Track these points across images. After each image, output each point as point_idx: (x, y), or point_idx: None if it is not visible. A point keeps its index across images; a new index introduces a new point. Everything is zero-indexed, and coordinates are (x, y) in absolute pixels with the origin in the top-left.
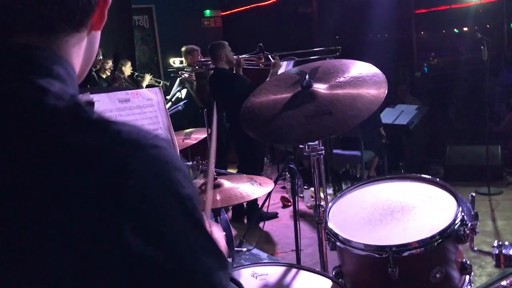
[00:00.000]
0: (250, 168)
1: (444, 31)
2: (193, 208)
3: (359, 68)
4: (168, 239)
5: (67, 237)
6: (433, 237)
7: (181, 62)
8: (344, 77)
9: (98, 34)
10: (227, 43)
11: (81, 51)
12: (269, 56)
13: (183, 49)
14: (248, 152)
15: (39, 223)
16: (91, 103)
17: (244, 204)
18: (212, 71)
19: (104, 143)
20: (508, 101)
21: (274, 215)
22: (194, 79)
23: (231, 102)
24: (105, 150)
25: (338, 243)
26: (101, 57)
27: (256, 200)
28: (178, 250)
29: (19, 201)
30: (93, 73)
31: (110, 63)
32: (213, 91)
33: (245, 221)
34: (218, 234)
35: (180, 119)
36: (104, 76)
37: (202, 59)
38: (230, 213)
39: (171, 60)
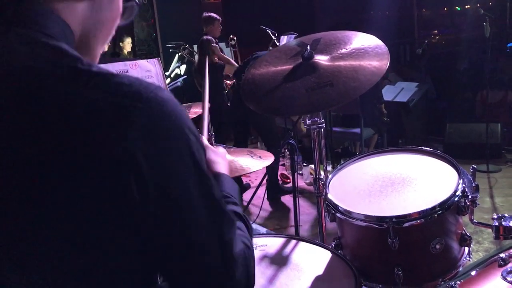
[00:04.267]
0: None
1: (445, 9)
2: (200, 161)
3: (362, 40)
4: (172, 194)
5: (74, 191)
6: (433, 208)
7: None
8: (346, 49)
9: (108, 1)
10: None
11: (76, 12)
12: (269, 32)
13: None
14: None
15: (44, 174)
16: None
17: (243, 180)
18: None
19: (105, 97)
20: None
21: (290, 191)
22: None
23: None
24: (106, 103)
25: (338, 215)
26: None
27: (275, 175)
28: (181, 207)
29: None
30: None
31: None
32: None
33: (265, 197)
34: (219, 152)
35: (179, 95)
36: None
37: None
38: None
39: None
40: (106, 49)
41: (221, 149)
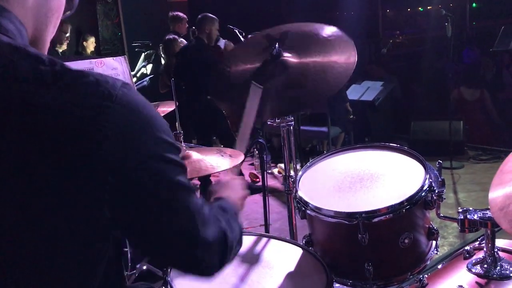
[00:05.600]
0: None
1: (409, 9)
2: (172, 153)
3: (328, 31)
4: (149, 187)
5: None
6: (401, 203)
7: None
8: (314, 42)
9: None
10: (218, 21)
11: (26, 5)
12: (236, 31)
13: (170, 14)
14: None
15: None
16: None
17: (211, 181)
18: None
19: (74, 99)
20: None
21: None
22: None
23: (202, 73)
24: (73, 105)
25: (308, 211)
26: (68, 34)
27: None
28: (149, 198)
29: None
30: (56, 49)
31: (68, 35)
32: (187, 60)
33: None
34: (238, 181)
35: (146, 95)
36: (60, 50)
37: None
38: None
39: None
40: (65, 47)
41: (237, 181)
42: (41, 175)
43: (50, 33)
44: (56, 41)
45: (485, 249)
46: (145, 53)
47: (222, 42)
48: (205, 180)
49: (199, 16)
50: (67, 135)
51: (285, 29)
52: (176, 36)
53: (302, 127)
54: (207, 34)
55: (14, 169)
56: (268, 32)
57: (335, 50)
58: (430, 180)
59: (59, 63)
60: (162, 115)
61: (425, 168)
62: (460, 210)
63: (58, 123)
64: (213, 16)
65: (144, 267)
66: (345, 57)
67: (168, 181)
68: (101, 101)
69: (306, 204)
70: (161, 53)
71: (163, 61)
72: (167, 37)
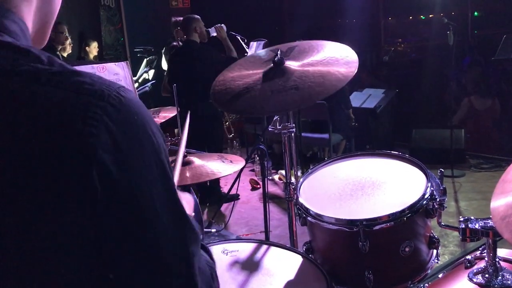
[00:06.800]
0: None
1: (410, 17)
2: (164, 160)
3: (334, 49)
4: (135, 197)
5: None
6: (403, 211)
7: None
8: (318, 56)
9: None
10: (200, 18)
11: (32, 6)
12: (238, 38)
13: (172, 20)
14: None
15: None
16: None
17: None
18: (182, 43)
19: (66, 95)
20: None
21: (235, 197)
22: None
23: (198, 77)
24: (64, 102)
25: (309, 218)
26: (66, 34)
27: (217, 181)
28: (143, 212)
29: None
30: (58, 52)
31: (66, 35)
32: (180, 65)
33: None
34: (186, 198)
35: (147, 100)
36: (65, 55)
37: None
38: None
39: None
40: (70, 51)
41: (187, 195)
42: (19, 177)
43: (50, 30)
44: (54, 43)
45: (486, 258)
46: (147, 58)
47: (212, 30)
48: (203, 186)
49: (184, 19)
50: (52, 133)
51: (293, 45)
52: (181, 44)
53: (303, 134)
54: (199, 33)
55: None
56: (277, 47)
57: (338, 62)
58: (432, 188)
59: (57, 63)
60: (163, 120)
61: (426, 176)
62: (461, 219)
63: (44, 120)
64: (196, 16)
65: None
66: (346, 67)
67: (170, 207)
68: (93, 99)
69: (306, 211)
70: (163, 56)
71: (163, 65)
72: (172, 44)
